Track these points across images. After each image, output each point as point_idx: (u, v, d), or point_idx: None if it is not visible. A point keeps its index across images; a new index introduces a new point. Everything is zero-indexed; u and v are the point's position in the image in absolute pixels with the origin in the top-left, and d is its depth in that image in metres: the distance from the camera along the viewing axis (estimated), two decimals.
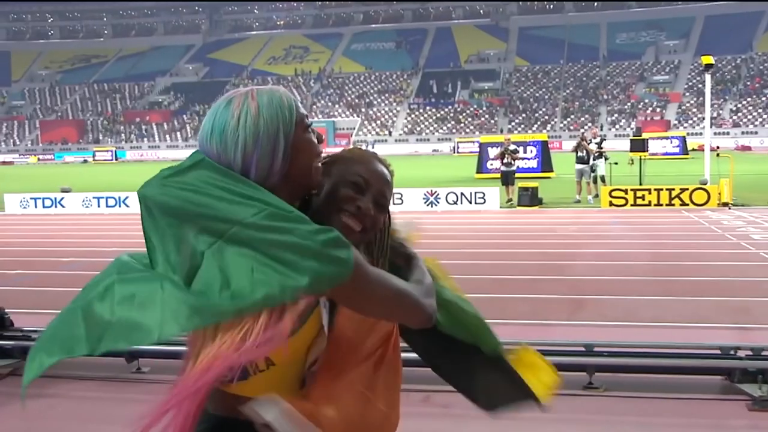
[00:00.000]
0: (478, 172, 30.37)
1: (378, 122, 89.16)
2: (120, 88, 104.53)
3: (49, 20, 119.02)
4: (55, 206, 23.11)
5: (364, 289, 1.58)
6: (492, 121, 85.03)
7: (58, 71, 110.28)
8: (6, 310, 6.59)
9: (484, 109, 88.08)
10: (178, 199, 1.51)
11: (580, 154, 20.56)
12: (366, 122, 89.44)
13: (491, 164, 28.89)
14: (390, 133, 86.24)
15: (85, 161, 74.37)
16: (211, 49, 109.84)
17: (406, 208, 20.18)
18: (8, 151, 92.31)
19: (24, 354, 6.21)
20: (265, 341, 1.46)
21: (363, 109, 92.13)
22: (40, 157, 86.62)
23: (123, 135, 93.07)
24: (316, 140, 1.73)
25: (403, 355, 1.90)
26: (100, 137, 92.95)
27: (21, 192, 24.88)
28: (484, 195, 20.49)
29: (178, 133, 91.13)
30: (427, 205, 20.57)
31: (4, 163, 79.29)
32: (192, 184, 1.52)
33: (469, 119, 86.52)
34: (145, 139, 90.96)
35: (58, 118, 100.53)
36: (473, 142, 60.73)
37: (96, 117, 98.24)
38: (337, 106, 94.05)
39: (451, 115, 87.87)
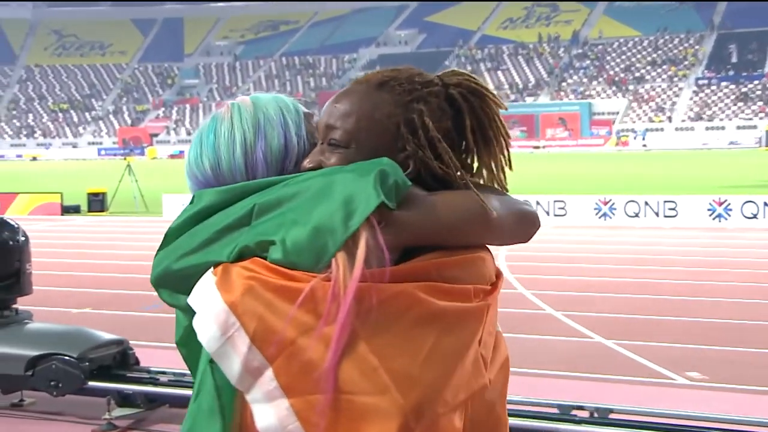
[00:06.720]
0: None
1: (652, 104, 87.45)
2: (314, 62, 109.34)
3: None
4: None
5: (437, 203, 1.59)
6: None
7: (239, 42, 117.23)
8: (131, 344, 6.85)
9: None
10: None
11: None
12: (634, 104, 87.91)
13: None
14: (669, 120, 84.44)
15: None
16: (429, 10, 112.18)
17: (682, 223, 19.54)
18: (178, 141, 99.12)
19: (149, 402, 6.40)
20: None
21: (631, 87, 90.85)
22: None
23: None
24: None
25: None
26: None
27: (184, 193, 26.57)
28: None
29: None
30: (714, 218, 19.95)
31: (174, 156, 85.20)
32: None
33: None
34: None
35: None
36: None
37: None
38: (595, 82, 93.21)
39: (758, 93, 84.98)
